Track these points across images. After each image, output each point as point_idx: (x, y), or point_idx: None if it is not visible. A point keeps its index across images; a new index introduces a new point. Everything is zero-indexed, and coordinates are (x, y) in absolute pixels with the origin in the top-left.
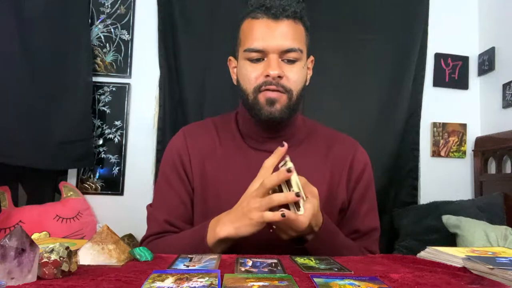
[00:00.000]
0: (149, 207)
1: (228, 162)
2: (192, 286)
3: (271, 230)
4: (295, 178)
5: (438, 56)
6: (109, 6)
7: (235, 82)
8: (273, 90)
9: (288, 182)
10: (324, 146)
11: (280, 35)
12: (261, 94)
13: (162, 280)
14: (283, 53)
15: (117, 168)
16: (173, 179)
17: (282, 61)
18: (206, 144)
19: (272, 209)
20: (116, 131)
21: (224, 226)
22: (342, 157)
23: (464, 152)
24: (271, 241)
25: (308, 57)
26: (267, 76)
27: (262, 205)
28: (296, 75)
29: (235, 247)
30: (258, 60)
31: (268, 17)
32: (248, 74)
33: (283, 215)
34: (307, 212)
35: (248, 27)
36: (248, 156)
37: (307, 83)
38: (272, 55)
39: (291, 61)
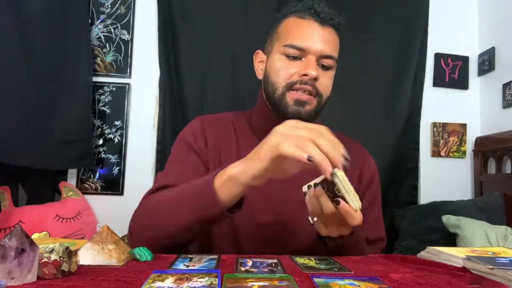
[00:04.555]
0: (159, 173)
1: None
2: (192, 286)
3: (312, 223)
4: (342, 179)
5: (438, 56)
6: (109, 6)
7: (259, 76)
8: (307, 93)
9: (331, 189)
10: None
11: (323, 40)
12: (291, 93)
13: (162, 280)
14: (321, 57)
15: (117, 168)
16: (189, 154)
17: (318, 65)
18: (223, 136)
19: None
20: (116, 131)
21: (236, 165)
22: (353, 164)
23: (464, 152)
24: (276, 238)
25: None
26: (304, 75)
27: (276, 139)
28: (329, 82)
29: (239, 246)
30: (295, 58)
31: (315, 20)
32: (283, 69)
33: (337, 202)
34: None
35: (294, 24)
36: None
37: None
38: (311, 57)
39: (326, 68)
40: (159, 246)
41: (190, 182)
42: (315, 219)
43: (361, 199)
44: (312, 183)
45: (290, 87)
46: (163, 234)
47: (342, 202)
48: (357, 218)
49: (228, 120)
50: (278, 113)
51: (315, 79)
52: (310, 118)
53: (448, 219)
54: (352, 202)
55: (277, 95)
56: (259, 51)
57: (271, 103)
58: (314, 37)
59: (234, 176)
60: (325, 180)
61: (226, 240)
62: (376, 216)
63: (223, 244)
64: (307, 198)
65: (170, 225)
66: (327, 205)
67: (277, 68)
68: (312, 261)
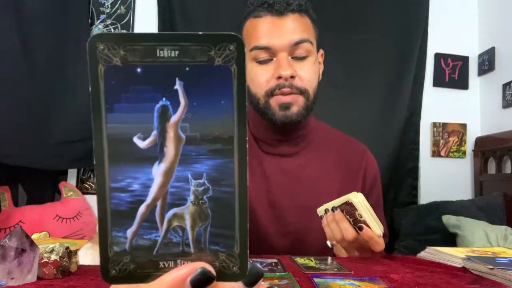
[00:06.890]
0: None
1: None
2: None
3: (330, 247)
4: (363, 205)
5: (438, 56)
6: (109, 6)
7: None
8: (287, 94)
9: (351, 213)
10: (335, 150)
11: (287, 31)
12: (274, 99)
13: None
14: (293, 48)
15: None
16: None
17: (293, 59)
18: None
19: (357, 222)
20: None
21: None
22: (355, 165)
23: (464, 152)
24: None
25: (317, 51)
26: (279, 78)
27: None
28: (309, 73)
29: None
30: (266, 61)
31: (272, 14)
32: (257, 77)
33: (360, 228)
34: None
35: (252, 27)
36: (262, 161)
37: (319, 79)
38: (281, 54)
39: (302, 58)
40: None
41: None
42: (334, 243)
43: (367, 199)
44: (329, 206)
45: (270, 93)
46: None
47: (365, 227)
48: (380, 243)
49: None
50: (268, 121)
51: (292, 77)
52: (301, 117)
53: (448, 219)
54: (376, 228)
55: (261, 105)
56: None
57: (259, 112)
58: (274, 33)
59: None
60: (344, 203)
61: None
62: (381, 215)
63: None
64: (325, 222)
65: None
66: (349, 230)
67: (252, 77)
68: (312, 261)
